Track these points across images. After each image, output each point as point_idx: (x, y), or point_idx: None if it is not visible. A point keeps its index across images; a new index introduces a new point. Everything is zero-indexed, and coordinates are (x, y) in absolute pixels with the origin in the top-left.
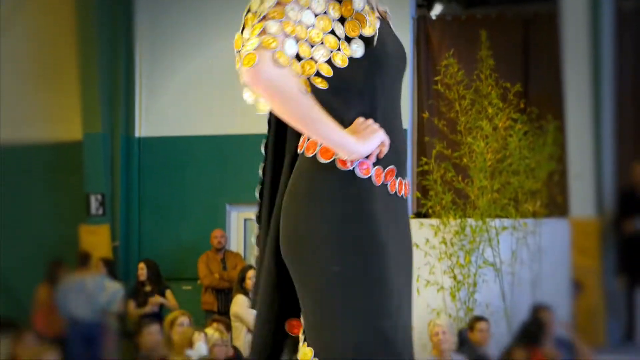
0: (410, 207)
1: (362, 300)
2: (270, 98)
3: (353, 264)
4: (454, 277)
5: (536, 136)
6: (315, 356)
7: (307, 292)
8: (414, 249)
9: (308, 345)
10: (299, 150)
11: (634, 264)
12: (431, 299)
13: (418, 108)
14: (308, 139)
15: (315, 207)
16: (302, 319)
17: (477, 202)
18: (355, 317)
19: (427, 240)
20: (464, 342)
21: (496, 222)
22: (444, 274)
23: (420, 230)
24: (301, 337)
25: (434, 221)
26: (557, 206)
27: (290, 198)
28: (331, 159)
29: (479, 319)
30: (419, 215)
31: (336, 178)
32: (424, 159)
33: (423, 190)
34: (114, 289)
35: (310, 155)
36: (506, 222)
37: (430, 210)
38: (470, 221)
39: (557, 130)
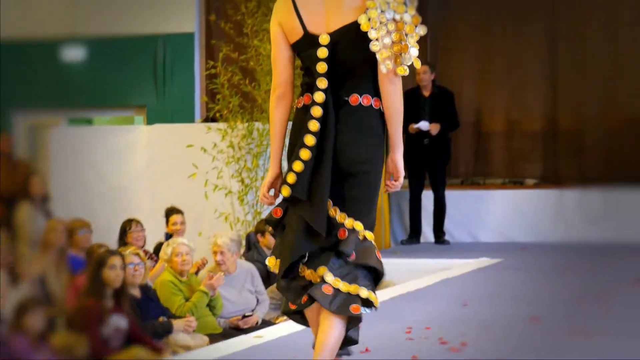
0: (199, 111)
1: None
2: (400, 88)
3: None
4: (242, 181)
5: None
6: (349, 216)
7: (367, 190)
8: (202, 153)
9: (341, 211)
10: (354, 103)
11: (419, 165)
12: (219, 203)
13: (205, 11)
14: (362, 96)
15: (381, 140)
16: (340, 201)
17: (264, 105)
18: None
19: (215, 145)
20: (252, 246)
21: None
22: (232, 178)
23: (208, 135)
24: (345, 217)
25: (221, 125)
26: None
27: (365, 132)
28: (379, 107)
29: None
30: (206, 119)
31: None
32: (211, 62)
33: (211, 94)
34: None
35: (368, 105)
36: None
37: (217, 115)
38: (258, 124)
39: None
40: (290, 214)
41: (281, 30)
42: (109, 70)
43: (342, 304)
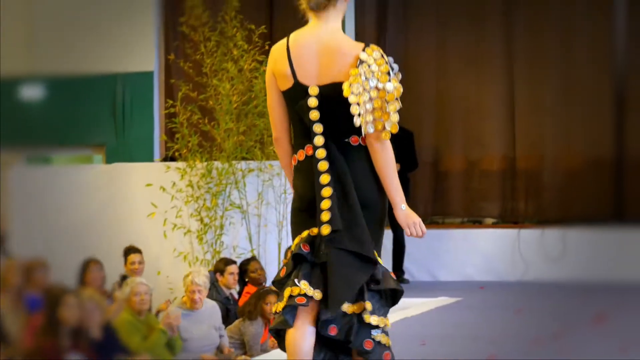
0: (158, 150)
1: None
2: (387, 149)
3: None
4: (201, 220)
5: None
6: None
7: (379, 221)
8: (161, 192)
9: (375, 249)
10: (354, 143)
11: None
12: (178, 242)
13: (164, 50)
14: (360, 137)
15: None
16: None
17: (224, 144)
18: None
19: (174, 184)
20: (211, 285)
21: (242, 165)
22: (191, 217)
23: (167, 174)
24: None
25: (180, 164)
26: None
27: (367, 169)
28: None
29: (230, 261)
30: (165, 158)
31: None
32: (170, 102)
33: (170, 133)
34: None
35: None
36: (252, 164)
37: (177, 154)
38: (217, 164)
39: None
40: (332, 252)
41: (274, 77)
42: (68, 108)
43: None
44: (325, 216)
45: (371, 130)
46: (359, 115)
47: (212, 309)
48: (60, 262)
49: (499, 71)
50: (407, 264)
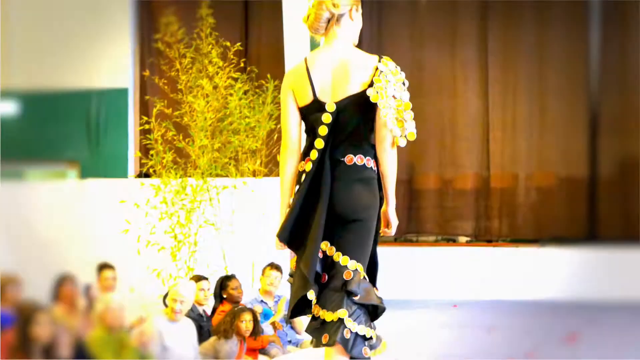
0: (132, 166)
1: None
2: (395, 154)
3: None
4: (175, 237)
5: (256, 95)
6: (352, 259)
7: (364, 235)
8: (135, 209)
9: (343, 255)
10: (349, 163)
11: None
12: (152, 259)
13: (139, 66)
14: (356, 156)
15: (373, 191)
16: (341, 246)
17: (198, 161)
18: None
19: (148, 200)
20: None
21: (217, 182)
22: (165, 234)
23: (141, 190)
24: (348, 260)
25: (155, 181)
26: (276, 165)
27: (359, 186)
28: (371, 165)
29: (201, 278)
30: (140, 175)
31: (376, 174)
32: (145, 118)
33: (144, 149)
34: None
35: (362, 163)
36: (227, 181)
37: (151, 170)
38: (191, 180)
39: (276, 89)
40: (295, 268)
41: (292, 94)
42: (42, 124)
43: (358, 348)
44: (280, 225)
45: (398, 134)
46: (388, 118)
47: (190, 326)
48: (32, 278)
49: (474, 90)
50: (380, 282)
